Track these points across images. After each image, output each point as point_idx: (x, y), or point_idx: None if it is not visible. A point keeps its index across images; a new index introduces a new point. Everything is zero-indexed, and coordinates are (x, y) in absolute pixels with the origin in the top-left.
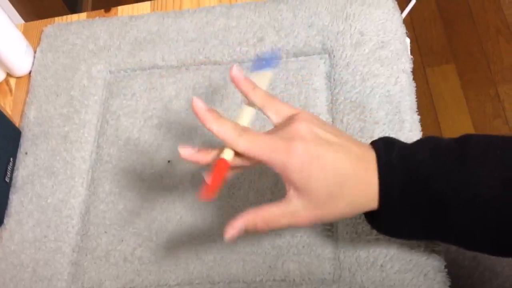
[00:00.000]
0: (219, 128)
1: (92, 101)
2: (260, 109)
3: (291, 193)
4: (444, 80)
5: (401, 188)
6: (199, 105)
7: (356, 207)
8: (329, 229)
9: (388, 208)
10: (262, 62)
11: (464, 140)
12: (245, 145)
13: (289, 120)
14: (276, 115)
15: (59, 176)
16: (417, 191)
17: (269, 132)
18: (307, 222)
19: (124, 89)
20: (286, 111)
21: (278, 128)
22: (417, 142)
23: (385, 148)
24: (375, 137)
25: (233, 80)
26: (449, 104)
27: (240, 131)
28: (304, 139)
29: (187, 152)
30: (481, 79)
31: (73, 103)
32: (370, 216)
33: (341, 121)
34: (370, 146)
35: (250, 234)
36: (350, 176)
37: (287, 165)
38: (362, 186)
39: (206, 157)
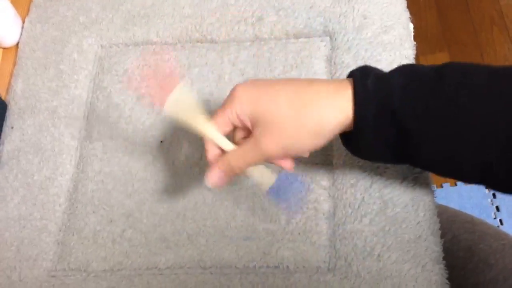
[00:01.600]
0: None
1: (82, 76)
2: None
3: (254, 129)
4: None
5: (374, 114)
6: None
7: (324, 128)
8: (326, 217)
9: (361, 132)
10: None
11: (441, 68)
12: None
13: None
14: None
15: (46, 152)
16: (388, 121)
17: None
18: (272, 149)
19: (116, 65)
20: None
21: None
22: (395, 68)
23: (361, 74)
24: None
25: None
26: None
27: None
28: (246, 83)
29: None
30: None
31: (62, 77)
32: (345, 138)
33: None
34: (346, 79)
35: (243, 217)
36: (312, 100)
37: (241, 103)
38: (332, 107)
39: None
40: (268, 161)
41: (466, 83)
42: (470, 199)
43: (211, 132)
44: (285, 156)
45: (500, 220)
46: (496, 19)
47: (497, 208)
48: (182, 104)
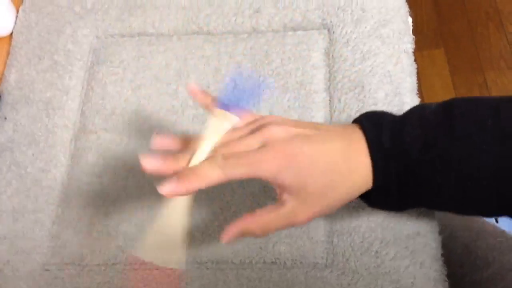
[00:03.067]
0: (197, 180)
1: (77, 67)
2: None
3: (284, 196)
4: (432, 64)
5: (396, 173)
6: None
7: (353, 192)
8: None
9: (383, 191)
10: (233, 102)
11: (450, 109)
12: (228, 174)
13: (259, 127)
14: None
15: (40, 144)
16: (411, 176)
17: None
18: (305, 220)
19: (111, 56)
20: (250, 118)
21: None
22: (405, 116)
23: (374, 128)
24: None
25: (190, 93)
26: (437, 89)
27: (218, 164)
28: (281, 140)
29: (151, 164)
30: (470, 66)
31: (56, 67)
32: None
33: (339, 100)
34: (355, 126)
35: (240, 212)
36: (341, 163)
37: (276, 171)
38: (356, 171)
39: (174, 166)
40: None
41: (476, 124)
42: None
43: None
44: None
45: (496, 219)
46: (491, 15)
47: None
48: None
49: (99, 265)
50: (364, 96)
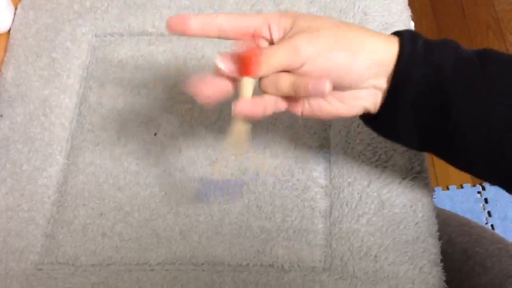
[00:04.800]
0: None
1: (75, 65)
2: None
3: (290, 32)
4: None
5: (422, 74)
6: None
7: (367, 49)
8: (323, 215)
9: (403, 87)
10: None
11: (483, 54)
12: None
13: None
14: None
15: (36, 142)
16: (434, 86)
17: None
18: (310, 50)
19: (110, 55)
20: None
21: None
22: (441, 40)
23: (410, 35)
24: None
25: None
26: None
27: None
28: None
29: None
30: None
31: (54, 65)
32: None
33: None
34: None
35: (238, 214)
36: (361, 29)
37: (278, 17)
38: (376, 42)
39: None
40: (302, 70)
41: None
42: (462, 203)
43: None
44: (321, 70)
45: (492, 226)
46: (491, 24)
47: (489, 213)
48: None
49: (94, 266)
50: None
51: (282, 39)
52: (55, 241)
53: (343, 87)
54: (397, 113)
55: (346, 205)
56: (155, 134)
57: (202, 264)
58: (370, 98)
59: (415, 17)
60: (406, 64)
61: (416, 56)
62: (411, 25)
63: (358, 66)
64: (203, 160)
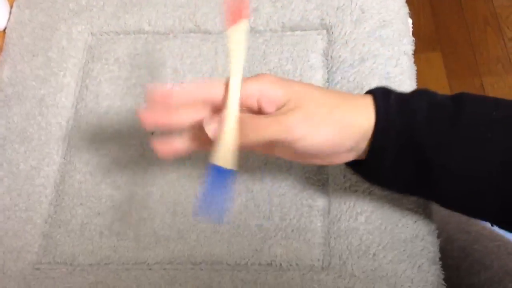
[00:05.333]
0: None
1: (71, 64)
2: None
3: (283, 109)
4: (429, 68)
5: (397, 132)
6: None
7: (353, 126)
8: (321, 214)
9: (382, 151)
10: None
11: (458, 99)
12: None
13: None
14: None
15: (33, 142)
16: (410, 145)
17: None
18: (300, 128)
19: (106, 53)
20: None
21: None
22: (414, 92)
23: (383, 94)
24: None
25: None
26: None
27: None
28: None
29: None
30: (467, 70)
31: (50, 64)
32: (356, 164)
33: None
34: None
35: (236, 213)
36: (343, 104)
37: (269, 86)
38: (359, 114)
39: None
40: (293, 146)
41: (485, 117)
42: None
43: (234, 87)
44: (311, 146)
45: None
46: (489, 19)
47: None
48: (240, 39)
49: (91, 265)
50: None
51: (274, 113)
52: (52, 241)
53: (327, 156)
54: (379, 170)
55: (345, 203)
56: (152, 133)
57: (200, 263)
58: (351, 157)
59: (412, 14)
60: (382, 130)
61: (391, 114)
62: (409, 22)
63: (347, 142)
64: (201, 158)
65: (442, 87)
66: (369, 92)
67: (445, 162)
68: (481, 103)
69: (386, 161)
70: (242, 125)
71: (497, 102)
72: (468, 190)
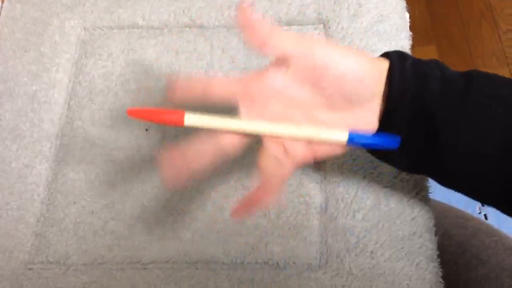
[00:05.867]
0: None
1: (64, 60)
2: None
3: None
4: None
5: (411, 97)
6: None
7: (370, 65)
8: (318, 211)
9: (392, 112)
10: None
11: (469, 76)
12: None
13: None
14: None
15: (25, 139)
16: (422, 114)
17: None
18: (326, 57)
19: (100, 49)
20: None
21: None
22: (428, 61)
23: (398, 57)
24: None
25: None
26: None
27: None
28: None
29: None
30: (462, 63)
31: (42, 60)
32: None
33: None
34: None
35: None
36: (356, 68)
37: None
38: (369, 77)
39: None
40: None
41: (496, 94)
42: (454, 193)
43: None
44: (333, 78)
45: (485, 215)
46: (484, 12)
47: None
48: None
49: (85, 265)
50: None
51: None
52: (45, 240)
53: (356, 98)
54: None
55: (342, 200)
56: (146, 130)
57: (196, 262)
58: (370, 115)
59: (408, 7)
60: (399, 83)
61: (407, 75)
62: (406, 16)
63: (373, 73)
64: None
65: None
66: (385, 54)
67: (451, 137)
68: (490, 81)
69: (399, 126)
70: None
71: (507, 81)
72: (471, 169)
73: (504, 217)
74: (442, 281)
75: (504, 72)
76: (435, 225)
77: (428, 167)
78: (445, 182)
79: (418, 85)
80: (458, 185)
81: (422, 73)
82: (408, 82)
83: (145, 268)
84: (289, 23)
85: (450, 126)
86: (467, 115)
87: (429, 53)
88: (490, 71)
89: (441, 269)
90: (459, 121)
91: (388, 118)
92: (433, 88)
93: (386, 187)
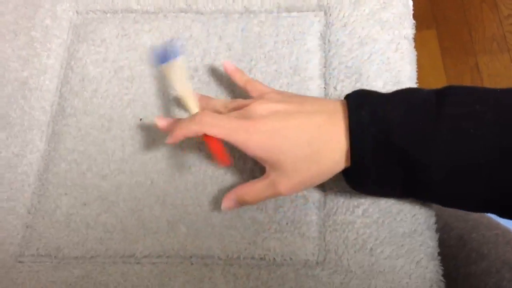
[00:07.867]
0: (179, 132)
1: (56, 44)
2: (244, 89)
3: (267, 168)
4: (423, 45)
5: (373, 149)
6: None
7: (333, 166)
8: (316, 206)
9: (359, 169)
10: (165, 54)
11: (443, 95)
12: (204, 130)
13: (245, 104)
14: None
15: (15, 127)
16: (390, 157)
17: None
18: (287, 191)
19: (93, 34)
20: (263, 90)
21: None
22: (393, 95)
23: (357, 102)
24: None
25: (228, 71)
26: (427, 71)
27: (197, 118)
28: (261, 117)
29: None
30: (462, 48)
31: (33, 45)
32: (346, 173)
33: (335, 88)
34: (341, 102)
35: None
36: (317, 138)
37: (249, 143)
38: (332, 145)
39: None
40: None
41: (469, 112)
42: None
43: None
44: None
45: None
46: None
47: None
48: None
49: (77, 258)
50: (362, 84)
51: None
52: (36, 232)
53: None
54: (363, 186)
55: (341, 195)
56: (140, 119)
57: (191, 257)
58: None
59: None
60: (358, 148)
61: (363, 129)
62: (410, 4)
63: (329, 176)
64: (191, 146)
65: (436, 65)
66: (346, 98)
67: (429, 158)
68: (465, 97)
69: (371, 175)
70: (242, 194)
71: (482, 94)
72: (453, 194)
73: None
74: (443, 280)
75: (505, 58)
76: (435, 218)
77: (420, 195)
78: (442, 203)
79: (378, 130)
80: (452, 201)
81: (379, 116)
82: (366, 134)
83: (138, 263)
84: (288, 10)
85: (424, 148)
86: (440, 133)
87: (428, 37)
88: (491, 56)
89: (442, 268)
90: (432, 141)
91: (359, 174)
92: (395, 124)
93: None
